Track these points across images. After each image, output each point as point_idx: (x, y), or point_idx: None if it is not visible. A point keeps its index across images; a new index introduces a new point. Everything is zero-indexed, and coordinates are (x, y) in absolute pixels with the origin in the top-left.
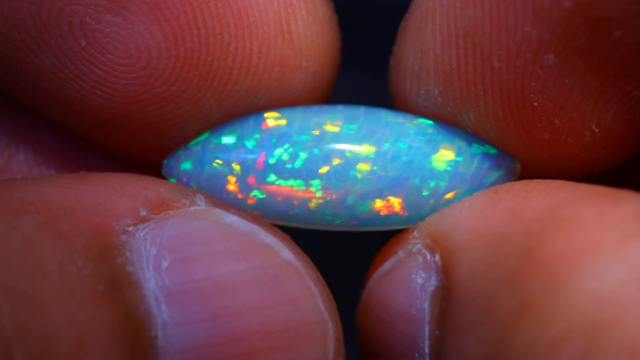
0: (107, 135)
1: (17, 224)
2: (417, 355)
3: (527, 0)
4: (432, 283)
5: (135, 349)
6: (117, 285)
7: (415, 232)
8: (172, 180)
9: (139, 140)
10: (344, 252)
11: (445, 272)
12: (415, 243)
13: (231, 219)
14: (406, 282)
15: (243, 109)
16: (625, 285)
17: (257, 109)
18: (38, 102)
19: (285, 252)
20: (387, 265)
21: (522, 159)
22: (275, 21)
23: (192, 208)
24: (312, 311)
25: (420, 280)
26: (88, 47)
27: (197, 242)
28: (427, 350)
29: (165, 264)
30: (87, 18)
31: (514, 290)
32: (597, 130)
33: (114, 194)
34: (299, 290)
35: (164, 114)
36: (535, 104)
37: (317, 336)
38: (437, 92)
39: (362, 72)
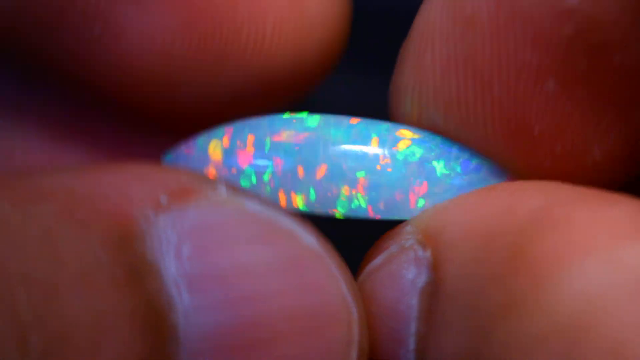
0: (119, 119)
1: (35, 213)
2: (402, 351)
3: (526, 26)
4: (422, 279)
5: (156, 337)
6: (136, 273)
7: (408, 227)
8: None
9: (152, 124)
10: (341, 244)
11: (435, 268)
12: (408, 238)
13: (253, 206)
14: (397, 278)
15: (256, 87)
16: (610, 287)
17: (270, 86)
18: (53, 78)
19: (308, 238)
20: (379, 260)
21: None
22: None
23: (214, 196)
24: (336, 296)
25: (410, 276)
26: (103, 34)
27: (219, 230)
28: (412, 347)
29: (186, 251)
30: (101, 4)
31: (500, 286)
32: (599, 155)
33: (133, 181)
34: (321, 275)
35: (180, 94)
36: (536, 130)
37: (342, 321)
38: (437, 118)
39: (362, 73)
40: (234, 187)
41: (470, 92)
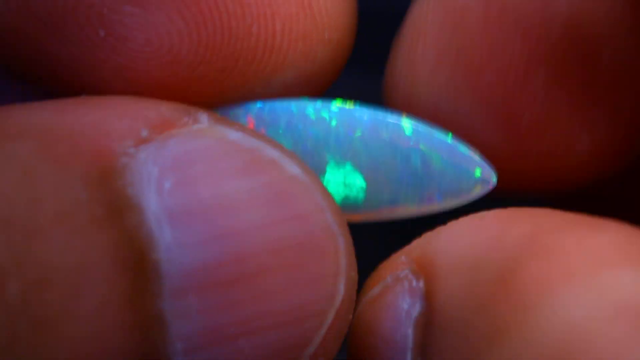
0: None
1: (13, 151)
2: None
3: (518, 18)
4: (416, 309)
5: (138, 273)
6: (117, 209)
7: (402, 257)
8: None
9: None
10: None
11: (427, 298)
12: (403, 268)
13: (235, 135)
14: (393, 308)
15: (267, 88)
16: (595, 313)
17: (282, 86)
18: (56, 89)
19: (292, 167)
20: (376, 290)
21: (513, 172)
22: None
23: (195, 126)
24: (322, 226)
25: (405, 306)
26: (107, 37)
27: (200, 161)
28: None
29: (167, 184)
30: (105, 10)
31: (486, 315)
32: (587, 144)
33: (113, 115)
34: (306, 205)
35: (187, 97)
36: (526, 119)
37: (328, 251)
38: (429, 108)
39: (362, 72)
40: (216, 117)
41: (461, 83)
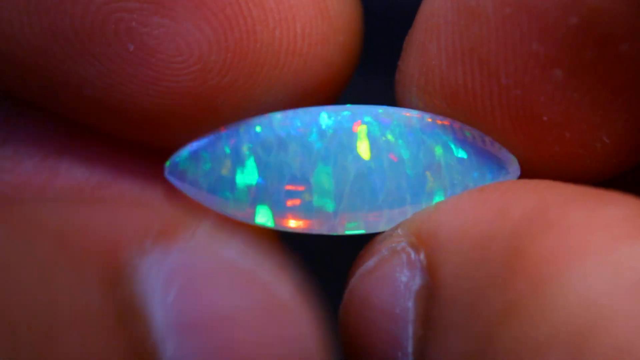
0: (155, 133)
1: (30, 248)
2: (400, 354)
3: (532, 17)
4: (417, 282)
5: None
6: (125, 318)
7: (399, 230)
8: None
9: (188, 134)
10: (332, 249)
11: (430, 271)
12: (399, 241)
13: (232, 254)
14: (390, 281)
15: (290, 92)
16: (612, 289)
17: (301, 91)
18: (81, 110)
19: (284, 290)
20: (371, 263)
21: (532, 169)
22: (314, 2)
23: (194, 239)
24: (309, 348)
25: (404, 279)
26: (137, 51)
27: (199, 276)
28: (410, 350)
29: (170, 296)
30: (134, 23)
31: (500, 289)
32: (607, 140)
33: (120, 222)
34: (296, 328)
35: (216, 105)
36: (545, 118)
37: None
38: (444, 107)
39: (368, 73)
40: (217, 226)
41: (477, 82)
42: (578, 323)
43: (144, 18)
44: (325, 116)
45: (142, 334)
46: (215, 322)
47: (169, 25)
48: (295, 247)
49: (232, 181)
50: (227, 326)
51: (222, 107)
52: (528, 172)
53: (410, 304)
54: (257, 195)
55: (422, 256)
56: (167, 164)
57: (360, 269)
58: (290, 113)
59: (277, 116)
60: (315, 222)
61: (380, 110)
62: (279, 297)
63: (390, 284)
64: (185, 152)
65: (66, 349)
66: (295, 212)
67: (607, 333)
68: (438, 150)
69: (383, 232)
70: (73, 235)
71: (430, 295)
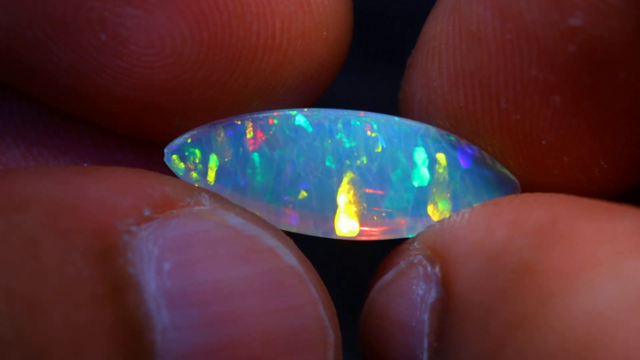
0: (130, 124)
1: (18, 221)
2: None
3: (531, 44)
4: (432, 295)
5: (134, 353)
6: (117, 288)
7: (415, 243)
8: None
9: (165, 126)
10: (347, 258)
11: (445, 284)
12: (416, 254)
13: (235, 220)
14: (407, 294)
15: (269, 86)
16: (618, 303)
17: (282, 86)
18: (55, 96)
19: (288, 257)
20: (389, 276)
21: (531, 190)
22: None
23: (196, 208)
24: (313, 319)
25: (420, 292)
26: (109, 41)
27: (200, 245)
28: None
29: (166, 266)
30: (106, 13)
31: (509, 303)
32: (605, 165)
33: (117, 191)
34: (300, 297)
35: (191, 98)
36: (544, 142)
37: (317, 344)
38: (447, 127)
39: (365, 72)
40: (218, 198)
41: (478, 105)
42: (583, 335)
43: (116, 8)
44: (341, 126)
45: (133, 303)
46: (214, 292)
47: (142, 17)
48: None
49: (234, 172)
50: (227, 296)
51: (197, 101)
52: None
53: (425, 316)
54: (259, 187)
55: (437, 269)
56: (167, 149)
57: (379, 282)
58: (312, 111)
59: (292, 112)
60: (311, 222)
61: (383, 119)
62: (285, 262)
63: (407, 297)
64: (185, 137)
65: (51, 318)
66: (293, 209)
67: (610, 344)
68: (442, 161)
69: (400, 244)
70: (62, 205)
71: (445, 308)
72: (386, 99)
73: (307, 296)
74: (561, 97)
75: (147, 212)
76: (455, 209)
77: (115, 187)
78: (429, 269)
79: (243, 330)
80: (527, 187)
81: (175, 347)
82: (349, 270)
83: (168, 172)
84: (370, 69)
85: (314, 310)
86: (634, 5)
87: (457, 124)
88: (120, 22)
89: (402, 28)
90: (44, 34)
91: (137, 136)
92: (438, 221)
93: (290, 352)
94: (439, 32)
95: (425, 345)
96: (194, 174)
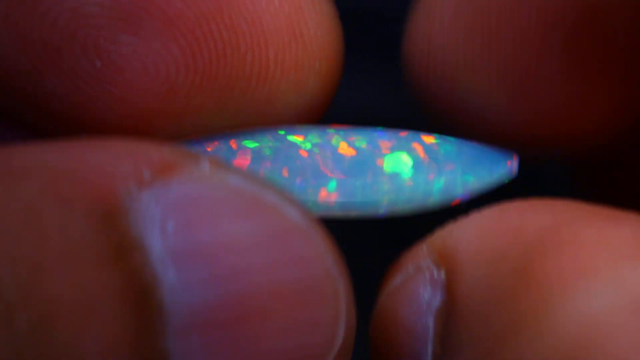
0: None
1: (18, 189)
2: None
3: None
4: (437, 300)
5: (143, 313)
6: (121, 250)
7: (424, 247)
8: None
9: None
10: (356, 262)
11: (449, 289)
12: (424, 258)
13: (237, 180)
14: (414, 299)
15: (260, 118)
16: (614, 308)
17: (274, 117)
18: (47, 123)
19: (292, 212)
20: (397, 280)
21: (529, 134)
22: (288, 26)
23: (197, 170)
24: (321, 270)
25: (427, 297)
26: (104, 68)
27: (202, 204)
28: None
29: (170, 226)
30: (101, 40)
31: (507, 306)
32: (606, 105)
33: (116, 157)
34: (307, 249)
35: (185, 126)
36: (541, 81)
37: (328, 295)
38: (445, 66)
39: (361, 73)
40: (218, 162)
41: (478, 41)
42: (577, 341)
43: (111, 35)
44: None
45: (139, 265)
46: (220, 248)
47: (136, 44)
48: None
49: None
50: (232, 252)
51: (190, 129)
52: (524, 137)
53: (430, 321)
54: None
55: (442, 274)
56: None
57: (388, 287)
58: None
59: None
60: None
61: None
62: (289, 216)
63: (414, 302)
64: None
65: (57, 282)
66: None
67: (605, 349)
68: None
69: (410, 249)
70: (62, 172)
71: (448, 312)
72: (386, 99)
73: (314, 248)
74: (561, 42)
75: (147, 176)
76: (450, 186)
77: (113, 153)
78: (435, 273)
79: (251, 284)
80: (523, 132)
81: (184, 305)
82: (359, 275)
83: None
84: (370, 69)
85: (322, 262)
86: None
87: (456, 61)
88: (115, 49)
89: (403, 28)
90: (39, 61)
91: None
92: (447, 225)
93: (301, 303)
94: None
95: (430, 351)
96: None
